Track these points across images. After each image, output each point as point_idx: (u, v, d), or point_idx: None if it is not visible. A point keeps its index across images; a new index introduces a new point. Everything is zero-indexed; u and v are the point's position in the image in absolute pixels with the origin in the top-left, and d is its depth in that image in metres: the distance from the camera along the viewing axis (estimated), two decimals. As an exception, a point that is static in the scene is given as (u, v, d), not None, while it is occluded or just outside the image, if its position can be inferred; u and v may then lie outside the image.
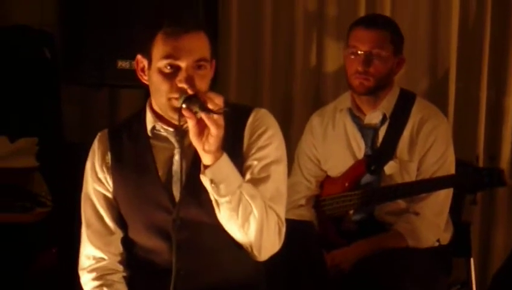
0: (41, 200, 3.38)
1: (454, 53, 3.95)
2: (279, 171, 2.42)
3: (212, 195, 2.28)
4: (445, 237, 3.20)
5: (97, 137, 2.52)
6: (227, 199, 2.26)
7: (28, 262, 3.36)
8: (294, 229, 2.63)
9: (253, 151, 2.40)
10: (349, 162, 3.22)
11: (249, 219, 2.30)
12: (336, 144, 3.26)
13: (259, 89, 4.03)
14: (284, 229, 2.40)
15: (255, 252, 2.37)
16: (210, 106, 2.18)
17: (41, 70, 3.59)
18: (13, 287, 3.30)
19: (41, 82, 3.59)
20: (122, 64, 3.33)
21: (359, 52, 3.12)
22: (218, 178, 2.25)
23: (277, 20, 4.03)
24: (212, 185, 2.25)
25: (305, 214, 3.26)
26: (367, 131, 3.20)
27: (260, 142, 2.40)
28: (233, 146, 2.36)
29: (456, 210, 3.25)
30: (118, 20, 3.36)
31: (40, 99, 3.58)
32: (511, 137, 3.96)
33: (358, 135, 3.21)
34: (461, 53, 3.98)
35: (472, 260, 3.32)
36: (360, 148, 3.21)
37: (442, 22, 3.98)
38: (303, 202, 3.30)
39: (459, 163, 3.19)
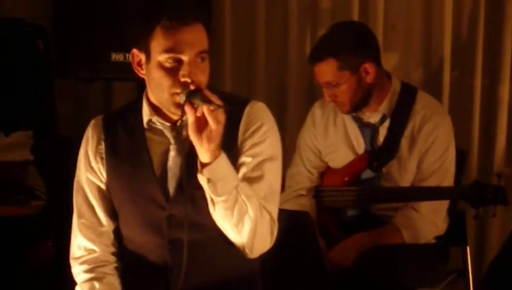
0: (36, 194, 3.38)
1: (449, 42, 3.96)
2: (273, 169, 2.39)
3: (209, 194, 2.25)
4: (442, 228, 3.20)
5: (91, 124, 2.49)
6: (223, 198, 2.24)
7: (23, 255, 3.35)
8: (291, 223, 2.63)
9: (247, 147, 2.37)
10: (349, 156, 3.21)
11: (243, 219, 2.28)
12: (336, 137, 3.25)
13: (253, 81, 4.02)
14: (276, 229, 2.38)
15: (247, 251, 2.36)
16: (213, 100, 2.17)
17: (35, 63, 3.57)
18: (9, 281, 3.29)
19: (34, 75, 3.57)
20: (116, 56, 3.31)
21: (322, 84, 3.12)
22: (216, 177, 2.22)
23: (271, 12, 4.02)
24: (209, 184, 2.22)
25: (306, 203, 3.25)
26: (366, 129, 3.18)
27: (255, 138, 2.37)
28: (228, 139, 2.32)
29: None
30: (111, 12, 3.34)
31: (33, 93, 3.56)
32: (506, 125, 3.98)
33: (357, 132, 3.20)
34: (455, 42, 3.99)
35: (468, 248, 3.31)
36: (359, 145, 3.20)
37: (436, 11, 3.98)
38: (304, 192, 3.30)
39: (459, 153, 3.21)
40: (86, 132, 2.48)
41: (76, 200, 2.48)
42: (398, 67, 4.00)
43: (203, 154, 2.21)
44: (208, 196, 2.26)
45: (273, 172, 2.39)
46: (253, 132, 2.38)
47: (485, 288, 2.84)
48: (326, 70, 3.06)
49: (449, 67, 3.98)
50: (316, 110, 3.31)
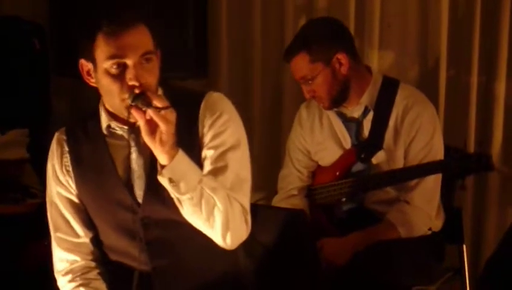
0: (32, 192, 3.38)
1: (445, 40, 3.96)
2: (237, 158, 2.37)
3: (173, 193, 2.24)
4: (437, 224, 3.21)
5: (55, 137, 2.49)
6: (188, 195, 2.23)
7: (19, 253, 3.35)
8: (286, 220, 2.63)
9: (208, 139, 2.36)
10: (338, 153, 3.22)
11: (213, 212, 2.27)
12: (323, 135, 3.27)
13: (249, 81, 4.02)
14: (249, 218, 2.37)
15: (223, 243, 2.34)
16: (156, 103, 2.16)
17: (32, 61, 3.58)
18: (5, 279, 3.28)
19: (31, 73, 3.58)
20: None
21: (299, 81, 3.15)
22: (177, 176, 2.21)
23: (267, 12, 4.02)
24: (172, 184, 2.21)
25: (298, 203, 3.27)
26: (350, 124, 3.20)
27: (215, 129, 2.36)
28: (188, 136, 2.32)
29: (447, 196, 3.25)
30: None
31: (30, 91, 3.56)
32: (502, 123, 3.98)
33: (342, 128, 3.22)
34: (451, 40, 3.99)
35: (464, 246, 3.31)
36: (346, 140, 3.21)
37: (432, 9, 3.98)
38: (295, 192, 3.32)
39: (447, 149, 3.19)
40: (51, 146, 2.49)
41: (51, 215, 2.49)
42: (394, 66, 4.00)
43: (160, 156, 2.20)
44: (173, 196, 2.25)
45: (237, 161, 2.37)
46: (213, 123, 2.36)
47: (482, 286, 2.83)
48: (300, 65, 3.10)
49: (445, 66, 3.97)
50: (302, 111, 3.35)
